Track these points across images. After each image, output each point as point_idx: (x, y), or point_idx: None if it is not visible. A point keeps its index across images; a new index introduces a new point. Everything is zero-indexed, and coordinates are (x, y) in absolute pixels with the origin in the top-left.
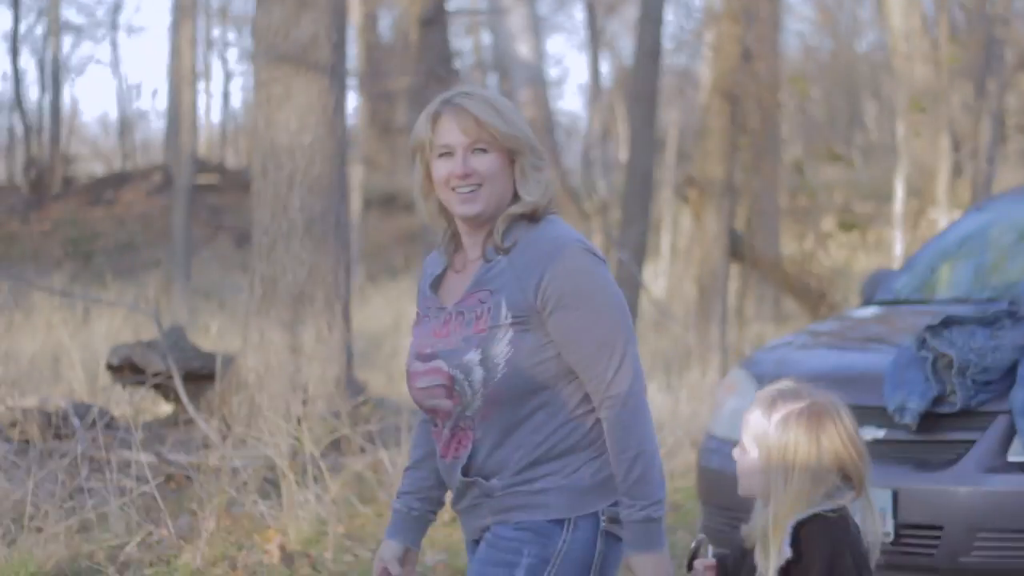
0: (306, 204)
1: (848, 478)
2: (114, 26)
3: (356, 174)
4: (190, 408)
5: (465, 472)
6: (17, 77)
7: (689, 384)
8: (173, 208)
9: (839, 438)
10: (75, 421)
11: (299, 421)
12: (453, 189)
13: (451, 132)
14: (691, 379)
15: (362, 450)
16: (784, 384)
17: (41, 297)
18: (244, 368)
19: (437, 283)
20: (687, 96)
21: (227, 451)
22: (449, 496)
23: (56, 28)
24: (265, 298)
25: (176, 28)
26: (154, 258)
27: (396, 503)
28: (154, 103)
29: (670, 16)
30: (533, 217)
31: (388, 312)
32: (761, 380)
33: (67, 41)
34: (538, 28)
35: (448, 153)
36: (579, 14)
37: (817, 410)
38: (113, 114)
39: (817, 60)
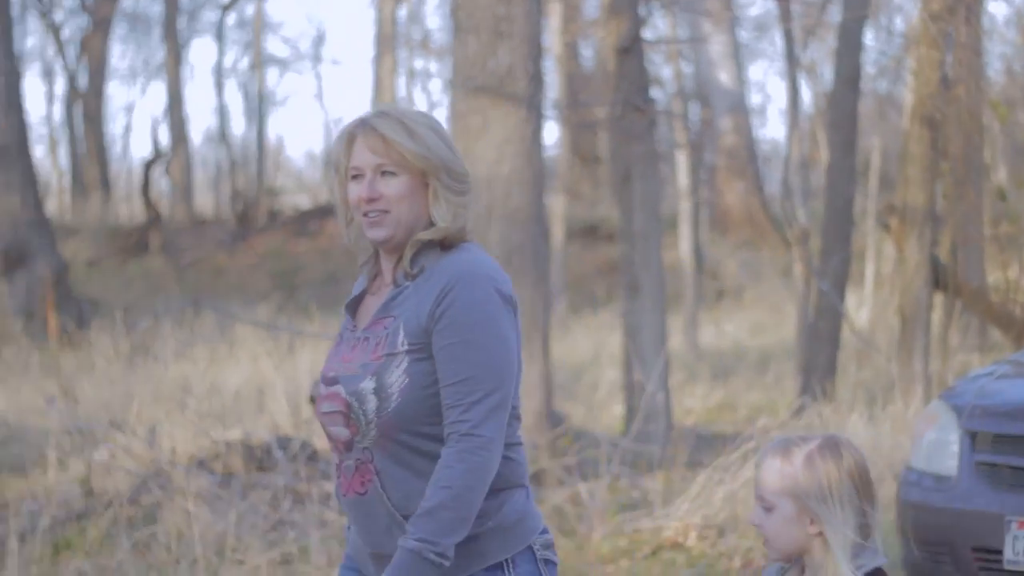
0: (504, 235)
1: (865, 504)
2: (318, 59)
3: (558, 205)
4: None
5: (376, 510)
6: (222, 111)
7: (892, 416)
8: None
9: (856, 465)
10: (278, 454)
11: None
12: (364, 214)
13: (361, 154)
14: (894, 411)
15: (561, 482)
16: (780, 437)
17: (246, 329)
18: None
19: (354, 305)
20: (890, 122)
21: None
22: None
23: (260, 61)
24: None
25: (378, 60)
26: None
27: (348, 532)
28: None
29: (870, 41)
30: (444, 244)
31: (589, 343)
32: (960, 412)
33: (272, 74)
34: (739, 55)
35: (359, 175)
36: (780, 40)
37: (832, 442)
38: (318, 147)
39: (1022, 83)
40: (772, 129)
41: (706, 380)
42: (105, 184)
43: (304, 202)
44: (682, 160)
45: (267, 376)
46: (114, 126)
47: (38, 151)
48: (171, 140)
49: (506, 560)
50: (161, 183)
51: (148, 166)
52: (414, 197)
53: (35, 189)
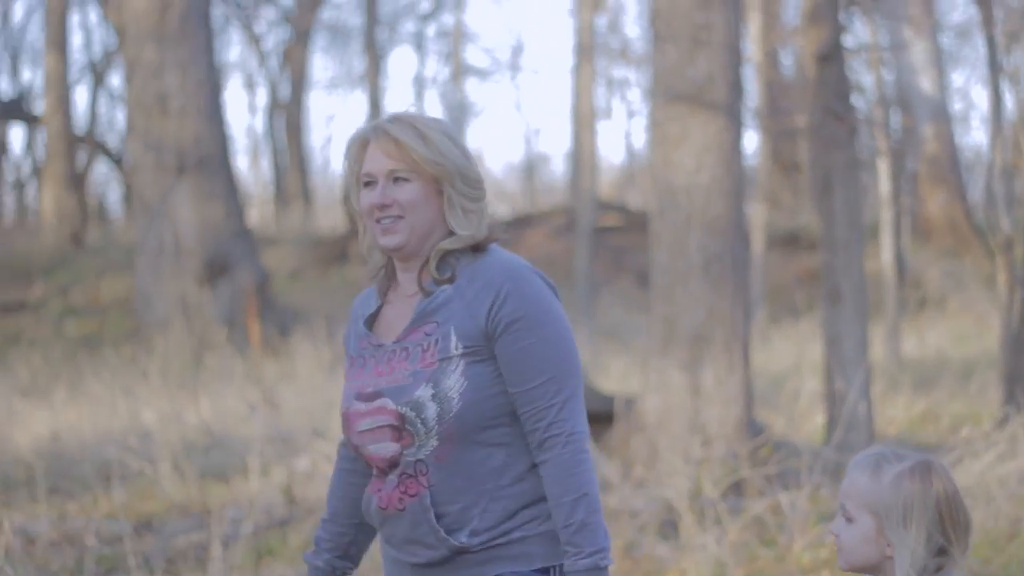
0: (704, 244)
1: (948, 539)
2: (516, 69)
3: (758, 213)
4: (591, 449)
5: (420, 524)
6: None
7: None
8: (576, 250)
9: (945, 494)
10: None
11: (699, 463)
12: (377, 221)
13: (373, 160)
14: None
15: (761, 492)
16: (877, 449)
17: None
18: (644, 410)
19: (371, 321)
20: None
21: (627, 492)
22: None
23: (459, 71)
24: (664, 339)
25: (577, 70)
26: None
27: (315, 559)
28: (556, 145)
29: None
30: (477, 248)
31: (790, 353)
32: None
33: (471, 84)
34: (941, 62)
35: (371, 182)
36: (982, 46)
37: (925, 467)
38: (517, 157)
39: None
40: (975, 136)
41: (908, 390)
42: (306, 194)
43: (503, 212)
44: (883, 168)
45: None
46: (315, 137)
47: (241, 162)
48: None
49: (553, 567)
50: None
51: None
52: (428, 203)
53: (237, 200)
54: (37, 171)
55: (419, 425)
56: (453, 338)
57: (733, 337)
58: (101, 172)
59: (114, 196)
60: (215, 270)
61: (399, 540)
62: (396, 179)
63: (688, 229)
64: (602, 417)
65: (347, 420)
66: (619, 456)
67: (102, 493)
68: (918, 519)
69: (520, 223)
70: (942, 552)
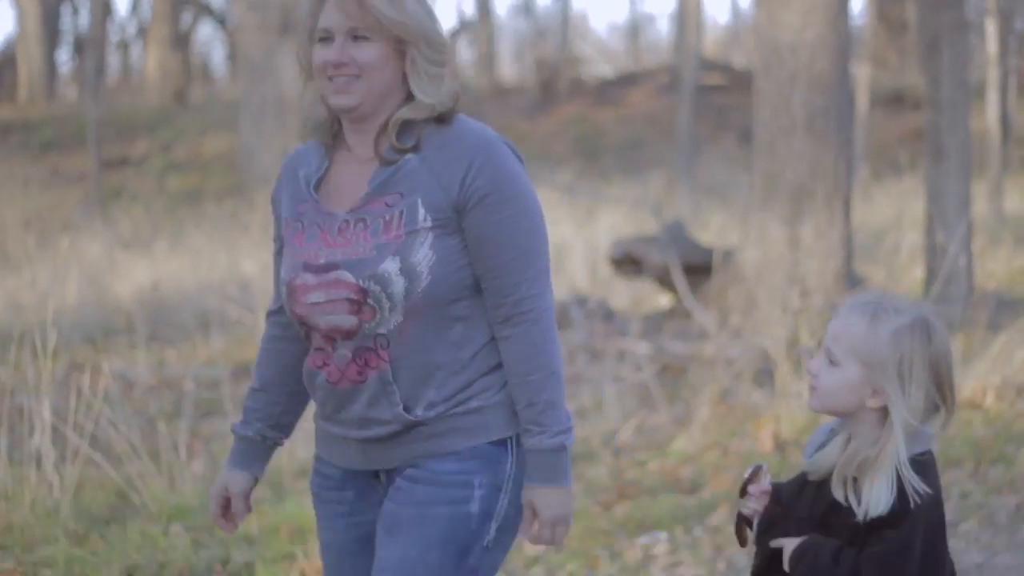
0: (808, 100)
1: (943, 397)
2: None
3: (863, 72)
4: (688, 300)
5: (378, 399)
6: None
7: None
8: (678, 108)
9: (941, 353)
10: (575, 312)
11: (796, 313)
12: (329, 78)
13: (332, 15)
14: None
15: None
16: (874, 294)
17: (547, 193)
18: (743, 262)
19: (317, 185)
20: None
21: (723, 342)
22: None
23: None
24: (766, 193)
25: None
26: (659, 157)
27: (245, 429)
28: (660, 5)
29: None
30: (441, 119)
31: (891, 209)
32: None
33: None
34: None
35: (327, 38)
36: None
37: (924, 323)
38: (621, 17)
39: None
40: None
41: (1009, 245)
42: None
43: (607, 71)
44: (991, 28)
45: (566, 238)
46: None
47: None
48: (476, 11)
49: (510, 438)
50: (465, 52)
51: (454, 36)
52: (387, 65)
53: None
54: (142, 32)
55: (384, 300)
56: (421, 210)
57: (834, 191)
58: (205, 33)
59: (218, 57)
60: None
61: (349, 416)
62: (355, 37)
63: (792, 85)
64: (700, 269)
65: (293, 291)
66: (716, 306)
67: (201, 340)
68: (916, 377)
69: (624, 81)
70: (933, 408)
